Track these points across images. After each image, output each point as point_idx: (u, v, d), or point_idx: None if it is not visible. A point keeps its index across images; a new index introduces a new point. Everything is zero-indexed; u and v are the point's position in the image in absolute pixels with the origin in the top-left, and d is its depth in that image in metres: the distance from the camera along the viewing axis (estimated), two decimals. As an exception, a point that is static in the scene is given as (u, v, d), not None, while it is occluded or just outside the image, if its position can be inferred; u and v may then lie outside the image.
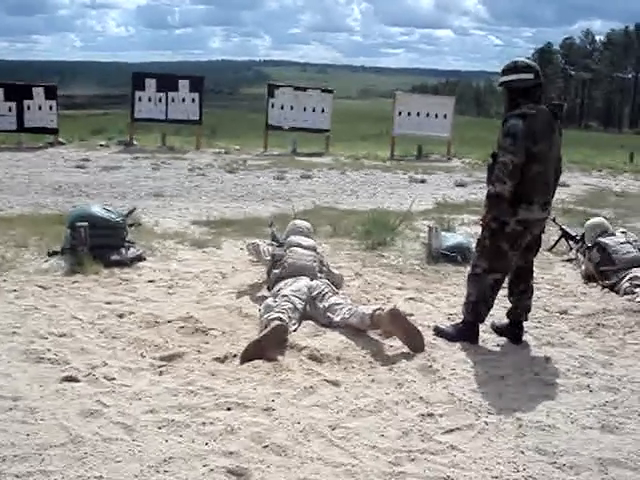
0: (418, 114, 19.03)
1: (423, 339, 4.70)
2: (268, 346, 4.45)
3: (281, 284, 5.41)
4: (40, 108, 17.89)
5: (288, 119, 18.79)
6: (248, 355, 4.39)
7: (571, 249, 7.53)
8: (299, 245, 5.87)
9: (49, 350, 4.41)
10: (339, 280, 5.98)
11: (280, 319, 4.66)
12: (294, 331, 4.83)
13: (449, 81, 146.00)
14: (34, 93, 17.88)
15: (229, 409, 3.71)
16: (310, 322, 5.07)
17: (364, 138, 30.87)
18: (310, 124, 18.92)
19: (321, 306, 5.14)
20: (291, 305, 5.00)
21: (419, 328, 4.77)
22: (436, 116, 19.14)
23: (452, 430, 3.59)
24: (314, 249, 5.94)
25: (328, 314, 5.06)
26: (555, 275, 6.87)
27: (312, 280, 5.42)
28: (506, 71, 4.77)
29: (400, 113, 19.04)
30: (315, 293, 5.22)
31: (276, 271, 5.67)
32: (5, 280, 5.96)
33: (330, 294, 5.26)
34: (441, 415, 3.75)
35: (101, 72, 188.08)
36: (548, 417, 3.77)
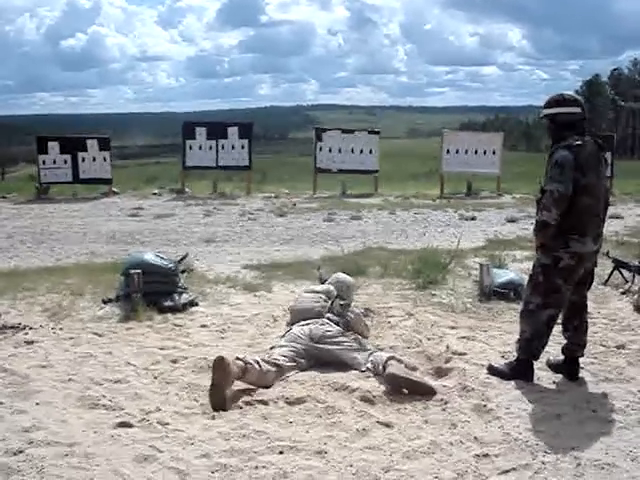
0: (466, 151, 18.94)
1: (425, 385, 4.59)
2: (224, 383, 4.39)
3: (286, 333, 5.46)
4: (94, 160, 18.32)
5: (336, 162, 18.90)
6: (217, 403, 4.35)
7: (627, 281, 7.38)
8: (311, 291, 5.89)
9: (104, 396, 4.46)
10: (357, 324, 5.64)
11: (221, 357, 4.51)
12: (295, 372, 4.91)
13: (498, 117, 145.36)
14: (88, 145, 18.35)
15: (281, 452, 3.70)
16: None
17: (413, 177, 30.85)
18: (358, 166, 18.99)
19: (332, 348, 5.12)
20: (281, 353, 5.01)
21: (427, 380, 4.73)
22: (485, 153, 19.02)
23: (508, 470, 3.51)
24: (326, 292, 5.81)
25: (350, 362, 5.04)
26: (611, 309, 6.71)
27: (316, 323, 5.35)
28: (552, 104, 4.75)
29: (448, 151, 18.98)
30: (318, 337, 5.19)
31: (287, 320, 5.83)
32: (61, 328, 6.08)
33: (336, 334, 5.24)
34: (497, 455, 3.67)
35: (152, 122, 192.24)
36: (607, 455, 3.66)
